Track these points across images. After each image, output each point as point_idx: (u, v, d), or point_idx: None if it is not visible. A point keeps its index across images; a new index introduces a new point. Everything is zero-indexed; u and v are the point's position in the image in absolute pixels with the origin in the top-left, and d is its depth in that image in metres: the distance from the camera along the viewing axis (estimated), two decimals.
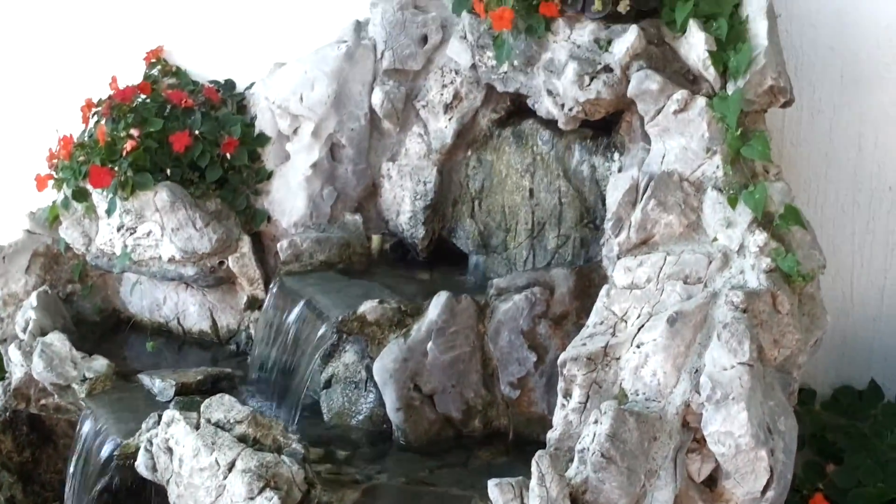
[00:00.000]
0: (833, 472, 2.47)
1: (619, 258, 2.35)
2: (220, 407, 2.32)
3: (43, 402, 2.84)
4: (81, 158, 2.96)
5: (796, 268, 2.20)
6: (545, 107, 2.63)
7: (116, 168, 2.88)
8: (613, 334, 2.25)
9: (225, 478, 2.17)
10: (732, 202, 2.27)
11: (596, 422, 2.08)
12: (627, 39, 2.45)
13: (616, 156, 2.62)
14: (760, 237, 2.21)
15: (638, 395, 2.15)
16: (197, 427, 2.28)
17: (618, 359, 2.21)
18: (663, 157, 2.40)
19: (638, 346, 2.18)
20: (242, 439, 2.25)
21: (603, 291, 2.33)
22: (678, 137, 2.38)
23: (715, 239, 2.29)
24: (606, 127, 2.64)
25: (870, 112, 2.69)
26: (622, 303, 2.29)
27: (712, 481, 2.14)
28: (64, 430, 2.96)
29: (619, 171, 2.57)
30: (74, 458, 2.58)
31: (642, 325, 2.21)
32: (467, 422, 2.54)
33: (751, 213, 2.24)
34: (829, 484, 2.45)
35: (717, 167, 2.32)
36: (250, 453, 2.19)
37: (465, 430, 2.54)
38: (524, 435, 2.53)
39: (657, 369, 2.14)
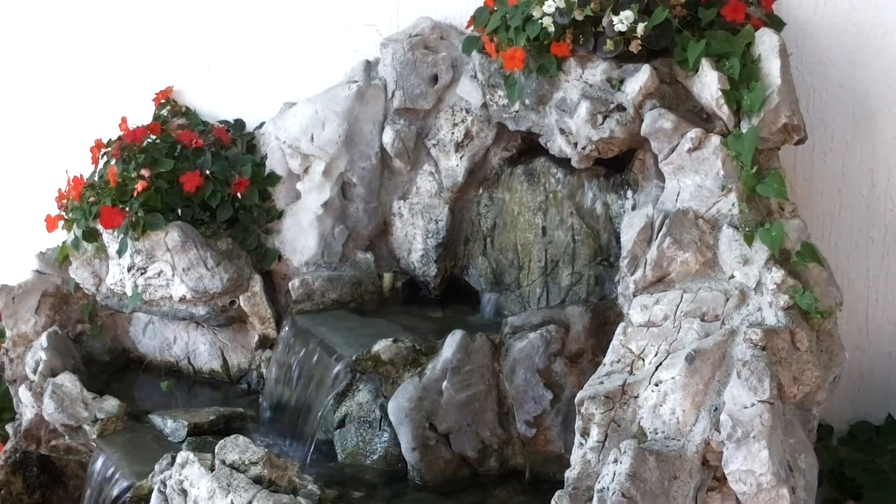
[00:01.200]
0: None
1: (635, 296, 2.35)
2: (235, 448, 2.30)
3: (53, 443, 2.83)
4: (92, 199, 2.96)
5: (814, 305, 2.19)
6: (558, 145, 2.64)
7: (127, 208, 2.88)
8: (631, 372, 2.24)
9: None
10: (749, 239, 2.27)
11: (615, 461, 2.06)
12: (640, 79, 2.46)
13: (629, 193, 2.63)
14: (778, 274, 2.21)
15: (657, 433, 2.14)
16: (212, 468, 2.26)
17: (636, 397, 2.20)
18: (678, 195, 2.40)
19: (656, 385, 2.17)
20: (258, 481, 2.23)
21: (619, 329, 2.32)
22: (693, 175, 2.38)
23: (731, 276, 2.28)
24: (619, 165, 2.65)
25: (882, 148, 2.70)
26: (639, 340, 2.28)
27: None
28: (74, 471, 2.94)
29: (633, 208, 2.58)
30: (86, 500, 2.55)
31: (660, 363, 2.20)
32: (483, 461, 2.52)
33: (767, 251, 2.24)
34: None
35: (733, 205, 2.32)
36: (266, 495, 2.17)
37: (480, 469, 2.52)
38: (540, 474, 2.52)
39: (676, 407, 2.12)
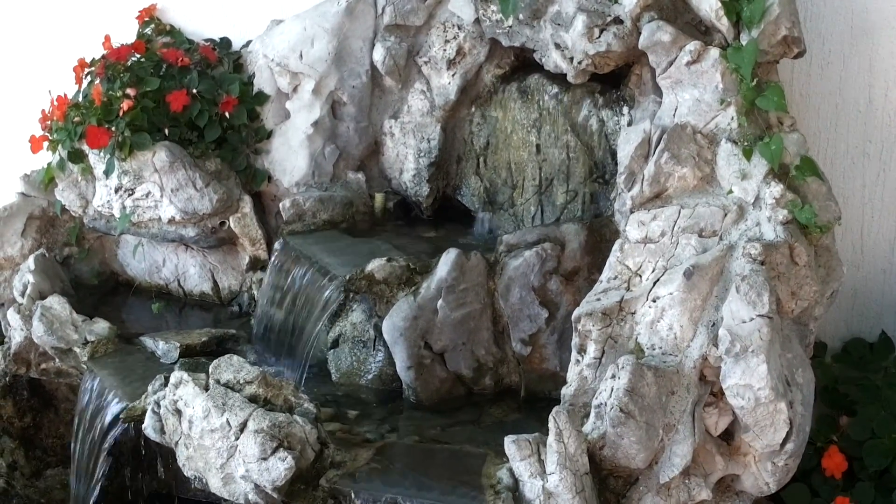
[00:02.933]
0: (847, 425, 2.46)
1: (632, 212, 2.32)
2: (230, 367, 2.28)
3: (44, 366, 2.80)
4: (76, 119, 2.90)
5: (813, 219, 2.18)
6: (553, 61, 2.59)
7: (113, 128, 2.82)
8: (628, 289, 2.24)
9: (237, 438, 2.14)
10: (747, 154, 2.24)
11: (613, 377, 2.06)
12: None
13: (625, 109, 2.59)
14: (777, 189, 2.19)
15: (654, 349, 2.14)
16: (206, 388, 2.24)
17: (633, 313, 2.19)
18: (675, 110, 2.37)
19: (654, 301, 2.16)
20: (253, 400, 2.21)
21: (616, 246, 2.30)
22: (691, 89, 2.34)
23: (730, 191, 2.26)
24: (615, 80, 2.61)
25: (880, 63, 2.66)
26: (636, 257, 2.26)
27: (729, 435, 2.13)
28: (65, 395, 2.92)
29: (630, 124, 2.54)
30: (77, 422, 2.54)
31: (657, 280, 2.19)
32: (478, 379, 2.51)
33: (766, 165, 2.22)
34: (843, 436, 2.44)
35: (732, 119, 2.29)
36: (262, 413, 2.16)
37: (476, 388, 2.51)
38: (536, 392, 2.51)
39: (673, 323, 2.12)
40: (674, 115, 2.36)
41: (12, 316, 2.79)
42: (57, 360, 2.74)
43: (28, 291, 2.79)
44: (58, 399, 2.96)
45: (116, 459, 2.91)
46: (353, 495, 2.09)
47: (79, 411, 2.56)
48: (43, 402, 2.96)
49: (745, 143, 2.25)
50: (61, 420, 2.93)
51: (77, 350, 2.67)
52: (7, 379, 2.88)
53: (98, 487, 2.52)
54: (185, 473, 2.24)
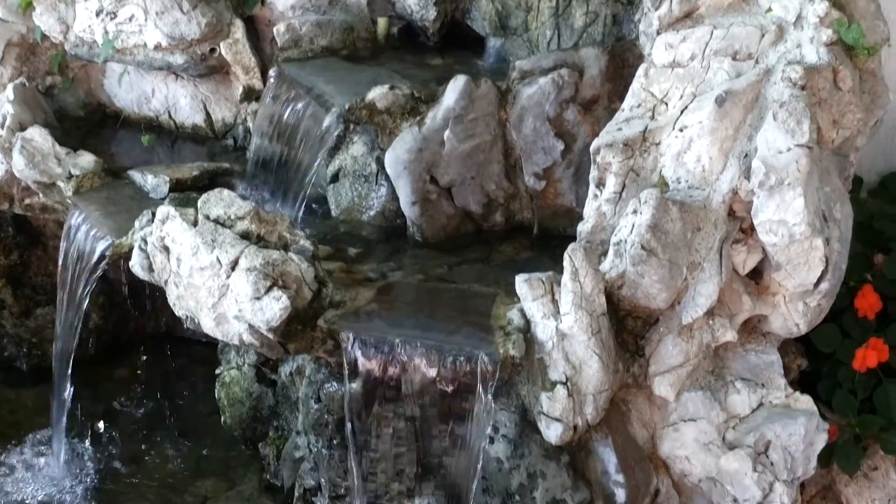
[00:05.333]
0: (882, 263, 2.34)
1: (658, 34, 2.15)
2: (220, 202, 2.14)
3: (28, 201, 2.67)
4: None
5: (860, 39, 2.00)
6: None
7: None
8: (653, 118, 2.09)
9: (228, 277, 2.02)
10: None
11: (635, 212, 1.94)
12: None
13: None
14: (821, 6, 2.00)
15: (680, 182, 2.01)
16: (195, 224, 2.11)
17: (657, 144, 2.05)
18: None
19: (681, 130, 2.02)
20: (245, 236, 2.09)
21: (640, 71, 2.15)
22: None
23: (769, 9, 2.08)
24: None
25: None
26: (662, 83, 2.11)
27: (758, 274, 2.03)
28: (53, 232, 2.80)
29: None
30: (62, 260, 2.41)
31: (685, 107, 2.05)
32: (488, 216, 2.41)
33: None
34: (878, 275, 2.32)
35: None
36: (255, 251, 2.03)
37: (485, 225, 2.42)
38: (549, 229, 2.41)
39: (702, 154, 1.99)
40: None
41: None
42: (41, 195, 2.61)
43: (7, 123, 2.64)
44: (45, 236, 2.85)
45: (109, 299, 2.84)
46: (353, 336, 1.97)
47: (64, 248, 2.43)
48: (30, 239, 2.85)
49: None
50: (50, 258, 2.82)
51: (61, 184, 2.54)
52: None
53: (80, 328, 2.41)
54: (177, 313, 2.15)
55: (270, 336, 2.00)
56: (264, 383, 2.39)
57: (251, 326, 2.00)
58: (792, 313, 2.00)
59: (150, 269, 2.16)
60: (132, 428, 2.66)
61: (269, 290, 1.98)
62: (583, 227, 2.07)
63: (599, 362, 1.90)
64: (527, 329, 1.95)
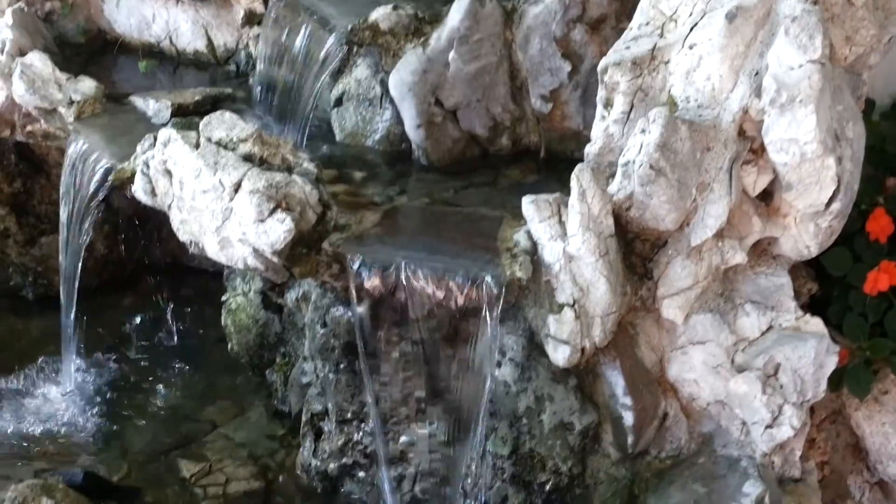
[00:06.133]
0: (894, 186, 2.29)
1: None
2: (222, 124, 2.11)
3: (29, 128, 2.65)
4: None
5: None
6: None
7: None
8: (661, 35, 2.02)
9: (231, 199, 2.00)
10: None
11: (643, 131, 1.90)
12: None
13: None
14: None
15: (689, 101, 1.96)
16: (197, 146, 2.08)
17: (666, 62, 2.00)
18: None
19: (690, 48, 1.96)
20: (248, 159, 2.06)
21: None
22: None
23: None
24: None
25: None
26: (671, 0, 2.02)
27: (768, 195, 1.98)
28: (56, 160, 2.79)
29: None
30: (64, 186, 2.40)
31: (695, 24, 1.98)
32: (494, 139, 2.38)
33: None
34: (890, 198, 2.27)
35: None
36: (258, 173, 2.00)
37: (491, 148, 2.39)
38: (556, 152, 2.38)
39: (712, 72, 1.93)
40: None
41: None
42: (42, 121, 2.59)
43: (7, 48, 2.62)
44: (49, 164, 2.84)
45: (114, 228, 2.83)
46: (358, 259, 1.95)
47: (65, 174, 2.41)
48: (33, 167, 2.83)
49: None
50: (53, 186, 2.81)
51: (62, 110, 2.52)
52: None
53: (83, 256, 2.40)
54: (180, 238, 2.13)
55: (275, 259, 1.98)
56: (271, 310, 2.38)
57: (255, 250, 1.98)
58: (803, 235, 1.96)
59: (153, 193, 2.15)
60: (140, 356, 2.67)
61: (272, 212, 1.96)
62: (590, 149, 2.03)
63: (607, 284, 1.88)
64: (534, 251, 1.92)
